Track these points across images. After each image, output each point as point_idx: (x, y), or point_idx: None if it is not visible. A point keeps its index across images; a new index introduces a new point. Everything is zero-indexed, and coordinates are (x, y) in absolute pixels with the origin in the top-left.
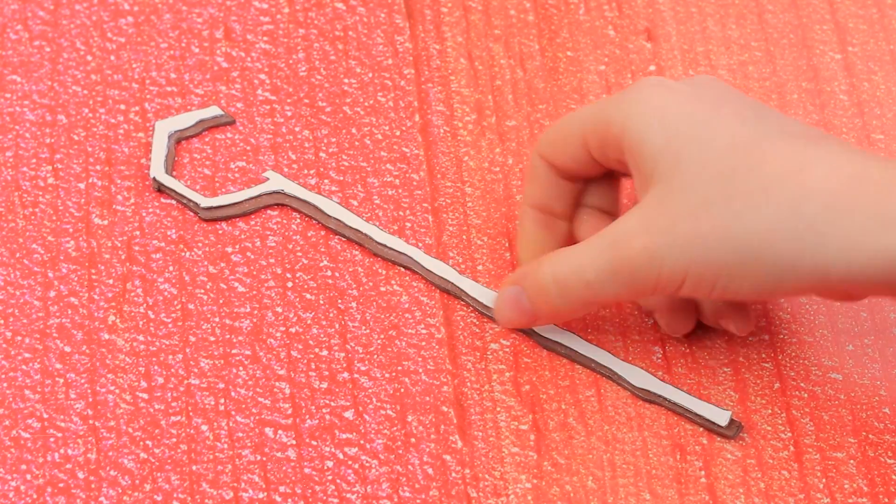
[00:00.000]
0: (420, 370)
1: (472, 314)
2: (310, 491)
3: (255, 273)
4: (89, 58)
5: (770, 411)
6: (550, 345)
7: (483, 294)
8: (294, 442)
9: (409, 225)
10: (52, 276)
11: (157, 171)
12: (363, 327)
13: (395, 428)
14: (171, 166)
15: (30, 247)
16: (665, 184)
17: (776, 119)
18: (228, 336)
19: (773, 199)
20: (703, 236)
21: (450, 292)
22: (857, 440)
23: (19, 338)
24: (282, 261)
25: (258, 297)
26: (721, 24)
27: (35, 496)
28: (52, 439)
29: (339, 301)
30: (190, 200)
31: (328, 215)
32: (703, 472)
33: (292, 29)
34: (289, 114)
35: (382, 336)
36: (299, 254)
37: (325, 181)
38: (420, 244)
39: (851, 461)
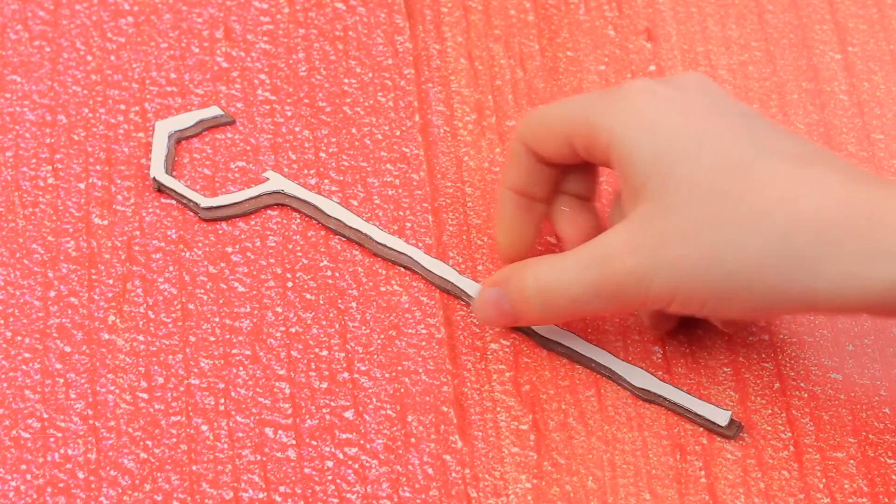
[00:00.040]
0: (420, 370)
1: (473, 314)
2: (310, 491)
3: (255, 273)
4: (89, 58)
5: (770, 411)
6: (550, 345)
7: None
8: (294, 442)
9: (409, 225)
10: (52, 276)
11: (157, 171)
12: (363, 327)
13: (395, 428)
14: (171, 166)
15: (30, 247)
16: (654, 202)
17: (767, 132)
18: (228, 336)
19: (763, 229)
20: (692, 261)
21: (450, 292)
22: (857, 440)
23: (19, 338)
24: (282, 261)
25: (258, 297)
26: (721, 24)
27: (35, 496)
28: (52, 439)
29: (339, 301)
30: (190, 200)
31: (328, 215)
32: (703, 472)
33: (292, 29)
34: (289, 114)
35: (382, 336)
36: (299, 254)
37: (325, 181)
38: (420, 244)
39: (851, 461)
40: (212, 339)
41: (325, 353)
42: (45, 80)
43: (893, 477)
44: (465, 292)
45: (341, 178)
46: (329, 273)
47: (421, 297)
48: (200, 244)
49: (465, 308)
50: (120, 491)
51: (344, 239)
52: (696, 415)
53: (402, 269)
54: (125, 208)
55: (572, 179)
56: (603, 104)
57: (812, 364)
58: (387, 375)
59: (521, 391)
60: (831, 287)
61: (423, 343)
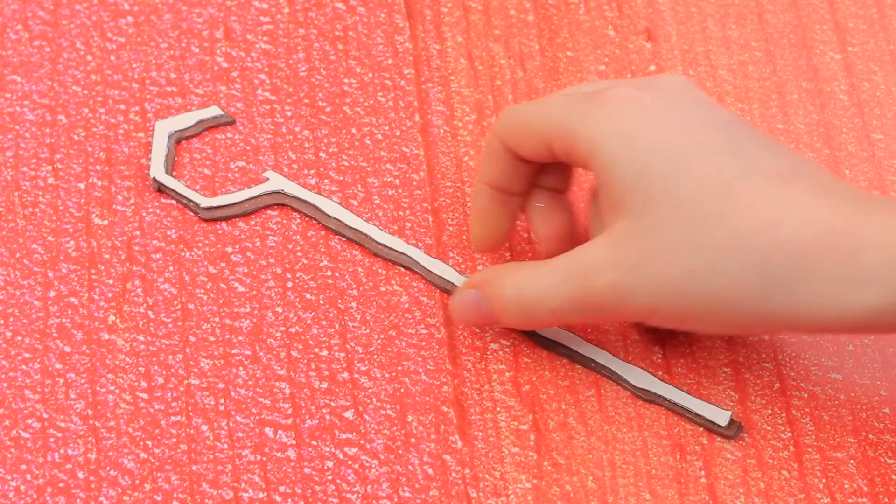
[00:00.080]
0: (420, 370)
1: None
2: (310, 491)
3: (255, 273)
4: (89, 58)
5: (770, 411)
6: (550, 345)
7: None
8: (294, 442)
9: (409, 225)
10: (52, 276)
11: (157, 171)
12: (363, 327)
13: (395, 428)
14: (171, 166)
15: (30, 247)
16: (634, 219)
17: (748, 145)
18: (228, 336)
19: (743, 252)
20: (671, 281)
21: (450, 292)
22: (857, 440)
23: (19, 338)
24: (282, 261)
25: (258, 297)
26: (721, 24)
27: (35, 496)
28: (52, 439)
29: (339, 301)
30: (190, 200)
31: (328, 215)
32: (703, 472)
33: (292, 29)
34: (289, 114)
35: (382, 336)
36: (299, 254)
37: (325, 181)
38: (420, 244)
39: (851, 461)
40: (212, 339)
41: (325, 353)
42: (45, 80)
43: (893, 477)
44: None
45: (341, 178)
46: (329, 273)
47: (421, 297)
48: (200, 244)
49: None
50: (120, 491)
51: (344, 239)
52: (696, 415)
53: (402, 269)
54: (125, 208)
55: (548, 174)
56: (583, 111)
57: (812, 364)
58: (387, 375)
59: (521, 391)
60: (809, 311)
61: (423, 343)
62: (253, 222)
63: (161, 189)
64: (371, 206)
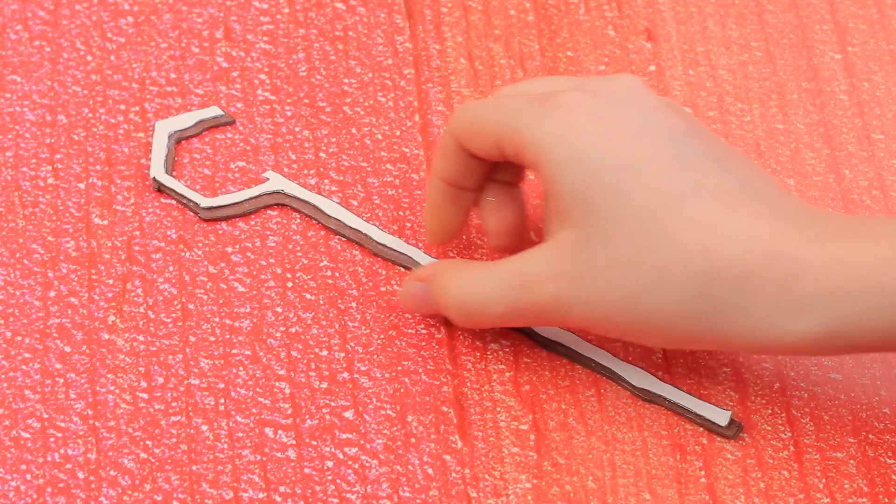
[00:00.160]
0: (420, 370)
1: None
2: (310, 491)
3: (255, 273)
4: (89, 58)
5: (770, 411)
6: (550, 345)
7: None
8: (294, 442)
9: (409, 225)
10: (52, 276)
11: (157, 171)
12: (363, 327)
13: (395, 428)
14: (171, 166)
15: (30, 247)
16: (578, 231)
17: (696, 161)
18: (228, 336)
19: (683, 275)
20: (610, 298)
21: None
22: (857, 440)
23: (19, 338)
24: (282, 261)
25: (258, 297)
26: (721, 24)
27: (35, 496)
28: (52, 439)
29: (339, 301)
30: (190, 200)
31: (328, 215)
32: (703, 472)
33: (292, 29)
34: (289, 114)
35: (382, 336)
36: (299, 254)
37: (325, 181)
38: (420, 244)
39: (851, 461)
40: (212, 339)
41: (325, 353)
42: (45, 80)
43: (893, 477)
44: None
45: (341, 178)
46: (329, 273)
47: None
48: (200, 244)
49: None
50: (120, 491)
51: (344, 239)
52: (696, 415)
53: (402, 269)
54: (125, 208)
55: (501, 168)
56: (533, 116)
57: (812, 364)
58: (387, 375)
59: (521, 391)
60: (747, 335)
61: (423, 343)
62: (253, 222)
63: (161, 189)
64: (371, 206)
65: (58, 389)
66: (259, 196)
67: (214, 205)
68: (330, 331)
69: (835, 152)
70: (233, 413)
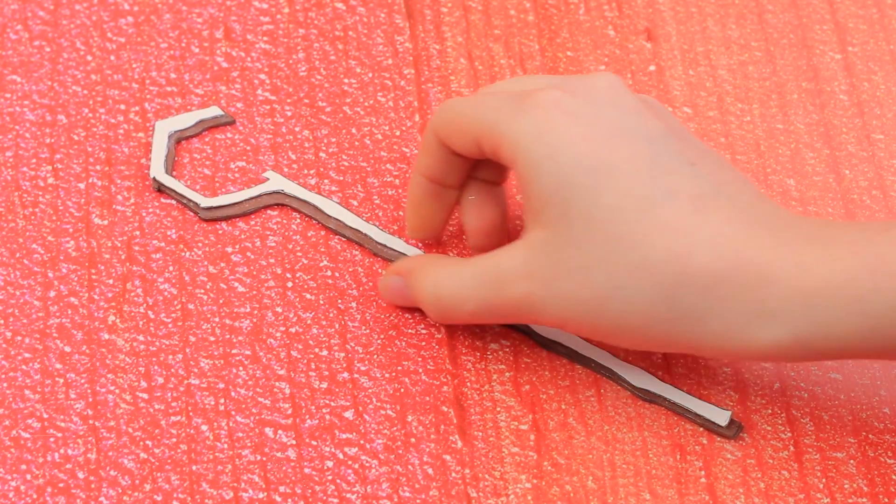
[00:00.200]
0: (420, 370)
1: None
2: (310, 491)
3: (255, 273)
4: (89, 58)
5: (770, 411)
6: (550, 345)
7: None
8: (294, 442)
9: None
10: (52, 276)
11: (157, 171)
12: (363, 327)
13: (395, 428)
14: (171, 166)
15: (30, 247)
16: (551, 231)
17: (671, 164)
18: (228, 336)
19: (653, 279)
20: (581, 300)
21: None
22: (857, 440)
23: (19, 338)
24: (282, 261)
25: (258, 297)
26: (721, 24)
27: (35, 496)
28: (52, 439)
29: (339, 301)
30: (190, 200)
31: (328, 215)
32: (703, 472)
33: (292, 29)
34: (289, 114)
35: (382, 336)
36: (299, 254)
37: (325, 181)
38: (420, 245)
39: (851, 461)
40: (212, 339)
41: (325, 353)
42: (45, 80)
43: (893, 477)
44: None
45: (341, 178)
46: (329, 273)
47: None
48: (200, 244)
49: None
50: (120, 491)
51: (344, 239)
52: (696, 415)
53: None
54: (125, 208)
55: (484, 167)
56: (511, 113)
57: (812, 364)
58: (387, 375)
59: (521, 391)
60: (715, 341)
61: (423, 343)
62: (253, 222)
63: (161, 189)
64: (371, 206)
65: (58, 389)
66: (259, 196)
67: (214, 205)
68: (330, 331)
69: (835, 152)
70: (233, 413)
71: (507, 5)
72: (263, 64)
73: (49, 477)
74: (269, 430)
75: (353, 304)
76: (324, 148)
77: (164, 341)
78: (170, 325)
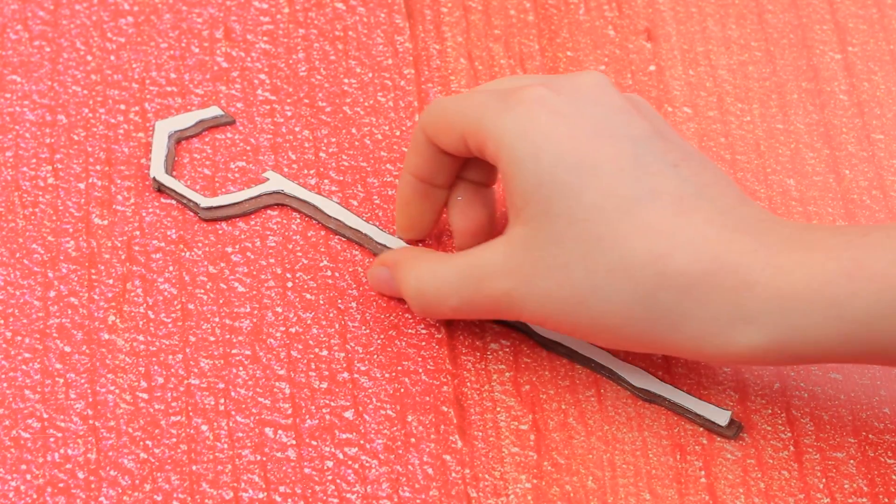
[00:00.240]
0: (420, 370)
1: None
2: (310, 491)
3: (255, 273)
4: (89, 58)
5: (770, 411)
6: (550, 345)
7: None
8: (294, 442)
9: None
10: (52, 276)
11: (157, 171)
12: (363, 327)
13: (395, 428)
14: (171, 166)
15: (30, 247)
16: (532, 228)
17: (654, 164)
18: (228, 336)
19: (632, 280)
20: (560, 298)
21: None
22: (857, 440)
23: (19, 338)
24: (282, 261)
25: (258, 297)
26: (721, 24)
27: (35, 496)
28: (52, 439)
29: (339, 301)
30: (190, 200)
31: (328, 215)
32: (703, 472)
33: (292, 29)
34: (289, 114)
35: (382, 336)
36: (299, 254)
37: (325, 181)
38: (420, 244)
39: (851, 461)
40: (212, 339)
41: (325, 353)
42: (45, 80)
43: (893, 477)
44: None
45: (341, 178)
46: (329, 273)
47: None
48: (200, 244)
49: None
50: (120, 491)
51: (344, 239)
52: (696, 415)
53: None
54: (125, 208)
55: (473, 167)
56: (496, 110)
57: (812, 364)
58: (387, 375)
59: (521, 391)
60: (692, 343)
61: (423, 343)
62: (253, 222)
63: (161, 189)
64: (371, 206)
65: (58, 389)
66: (259, 196)
67: (214, 205)
68: (330, 331)
69: (835, 152)
70: (233, 413)
71: (507, 5)
72: (263, 64)
73: (49, 477)
74: (269, 430)
75: (353, 304)
76: (324, 148)
77: (164, 341)
78: (170, 325)
